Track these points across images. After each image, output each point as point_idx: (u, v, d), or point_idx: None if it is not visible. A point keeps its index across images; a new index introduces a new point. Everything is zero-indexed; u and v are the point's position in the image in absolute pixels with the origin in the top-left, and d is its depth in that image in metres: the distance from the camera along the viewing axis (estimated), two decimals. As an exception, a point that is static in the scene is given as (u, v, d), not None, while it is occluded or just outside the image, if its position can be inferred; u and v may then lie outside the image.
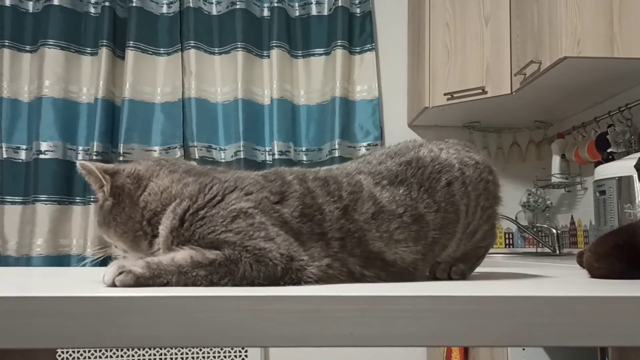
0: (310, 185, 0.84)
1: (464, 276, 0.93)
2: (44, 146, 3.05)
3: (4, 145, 3.08)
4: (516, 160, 3.36)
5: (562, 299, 0.66)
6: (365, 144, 3.26)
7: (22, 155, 3.11)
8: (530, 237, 3.28)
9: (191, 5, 3.22)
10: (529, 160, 3.35)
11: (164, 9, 3.26)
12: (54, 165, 3.04)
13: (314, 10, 3.35)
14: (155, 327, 0.62)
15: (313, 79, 3.31)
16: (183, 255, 0.73)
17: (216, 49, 3.25)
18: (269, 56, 3.25)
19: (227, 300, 0.63)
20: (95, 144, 3.06)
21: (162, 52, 3.22)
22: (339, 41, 3.26)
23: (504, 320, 0.64)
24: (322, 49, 3.32)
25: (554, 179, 3.06)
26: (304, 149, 3.26)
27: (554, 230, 2.95)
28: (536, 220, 3.26)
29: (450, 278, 0.92)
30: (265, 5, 3.31)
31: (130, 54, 3.14)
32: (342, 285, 0.78)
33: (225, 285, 0.73)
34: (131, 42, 3.15)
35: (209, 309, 0.63)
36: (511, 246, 3.34)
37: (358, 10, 3.34)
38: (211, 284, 0.72)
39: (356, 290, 0.68)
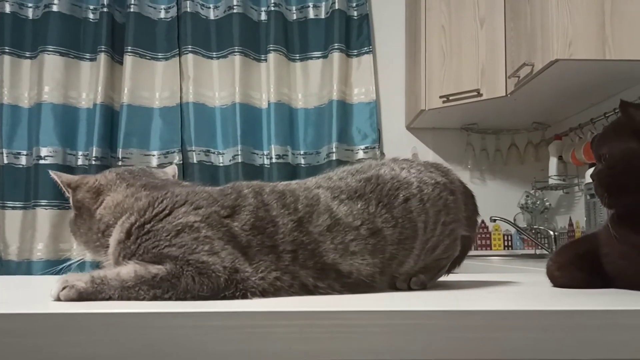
0: (266, 198, 0.85)
1: (424, 286, 0.93)
2: (44, 152, 3.08)
3: (4, 151, 3.11)
4: (515, 161, 3.36)
5: (499, 313, 0.67)
6: (363, 147, 3.27)
7: (23, 160, 3.14)
8: (529, 239, 3.27)
9: (188, 10, 3.23)
10: (528, 162, 3.35)
11: (162, 14, 3.28)
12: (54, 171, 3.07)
13: (311, 14, 3.36)
14: (96, 345, 0.63)
15: (310, 82, 3.32)
16: (128, 270, 0.75)
17: (214, 53, 3.27)
18: (266, 60, 3.27)
19: (166, 316, 0.64)
20: (94, 149, 3.08)
21: (160, 57, 3.25)
22: (336, 44, 3.26)
23: (440, 334, 0.65)
24: (320, 52, 3.33)
25: (551, 181, 3.05)
26: (301, 152, 3.27)
27: (552, 232, 2.94)
28: (535, 222, 3.25)
29: (410, 289, 0.92)
30: (263, 9, 3.32)
31: (128, 59, 3.17)
32: (283, 299, 0.78)
33: (169, 299, 0.74)
34: (129, 48, 3.17)
35: (148, 326, 0.64)
36: (510, 248, 3.33)
37: (355, 13, 3.35)
38: (154, 298, 0.73)
39: (295, 305, 0.69)
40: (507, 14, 2.76)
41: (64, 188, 0.91)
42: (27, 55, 3.19)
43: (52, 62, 3.13)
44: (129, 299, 0.73)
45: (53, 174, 0.92)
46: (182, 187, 0.90)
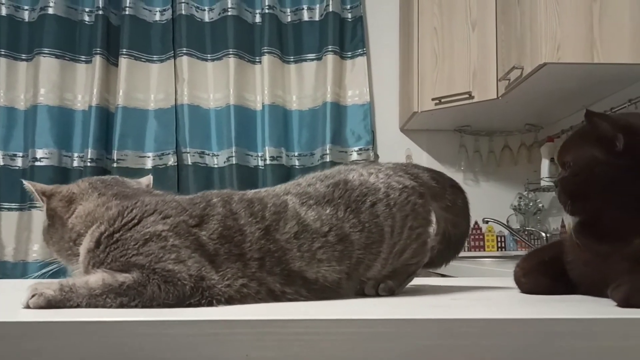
0: (234, 207, 0.87)
1: (392, 292, 0.95)
2: (39, 153, 3.10)
3: (0, 152, 3.14)
4: (508, 163, 3.37)
5: (452, 322, 0.69)
6: (356, 148, 3.28)
7: (19, 162, 3.16)
8: (522, 240, 3.28)
9: (183, 12, 3.25)
10: (521, 164, 3.36)
11: (157, 17, 3.30)
12: (50, 172, 3.09)
13: (305, 16, 3.38)
14: (62, 352, 0.65)
15: (305, 84, 3.34)
16: (96, 278, 0.77)
17: (208, 55, 3.29)
18: (260, 62, 3.28)
19: (126, 324, 0.66)
20: (89, 150, 3.10)
21: (155, 59, 3.27)
22: (330, 46, 3.28)
23: (394, 342, 0.67)
24: (314, 54, 3.34)
25: (543, 183, 3.06)
26: (296, 154, 3.29)
27: (544, 234, 2.95)
28: (527, 224, 3.26)
29: (378, 295, 0.94)
30: (257, 11, 3.34)
31: (123, 61, 3.19)
32: (244, 307, 0.80)
33: (135, 307, 0.76)
34: (124, 50, 3.20)
35: (112, 334, 0.66)
36: (503, 249, 3.34)
37: (349, 16, 3.36)
38: (121, 306, 0.75)
39: (252, 313, 0.71)
40: (498, 17, 2.77)
41: (38, 197, 0.93)
42: (23, 57, 3.22)
43: (47, 64, 3.15)
44: (96, 306, 0.75)
45: (27, 183, 0.94)
46: (153, 196, 0.92)
